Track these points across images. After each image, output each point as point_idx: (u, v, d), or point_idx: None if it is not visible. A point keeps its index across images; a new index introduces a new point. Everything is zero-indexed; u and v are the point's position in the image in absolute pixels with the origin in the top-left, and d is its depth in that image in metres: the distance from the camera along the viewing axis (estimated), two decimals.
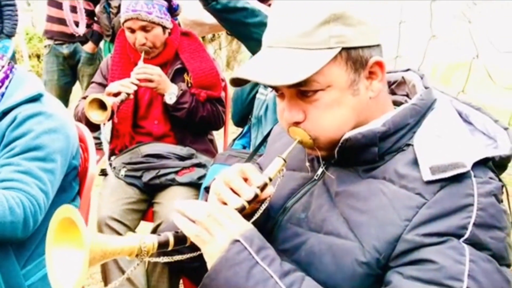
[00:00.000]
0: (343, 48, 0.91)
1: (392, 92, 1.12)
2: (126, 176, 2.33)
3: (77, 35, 4.13)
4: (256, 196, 0.94)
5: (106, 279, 2.11)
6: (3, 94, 1.56)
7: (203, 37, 4.69)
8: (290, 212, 1.05)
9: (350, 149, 0.96)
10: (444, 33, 2.43)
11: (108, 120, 2.14)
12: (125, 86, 2.14)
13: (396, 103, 1.07)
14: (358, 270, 0.90)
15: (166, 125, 2.43)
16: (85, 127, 1.94)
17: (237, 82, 0.98)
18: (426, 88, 1.03)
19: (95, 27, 4.25)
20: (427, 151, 0.91)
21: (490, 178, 0.90)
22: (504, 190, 0.93)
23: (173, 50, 2.44)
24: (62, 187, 1.61)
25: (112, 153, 2.49)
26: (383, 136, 0.95)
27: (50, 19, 4.25)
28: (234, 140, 2.35)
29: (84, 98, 2.40)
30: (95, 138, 2.61)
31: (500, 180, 0.93)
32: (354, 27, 0.91)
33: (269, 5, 2.06)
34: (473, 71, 2.25)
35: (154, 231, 2.16)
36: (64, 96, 4.38)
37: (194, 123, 2.39)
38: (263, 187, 0.95)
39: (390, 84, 1.12)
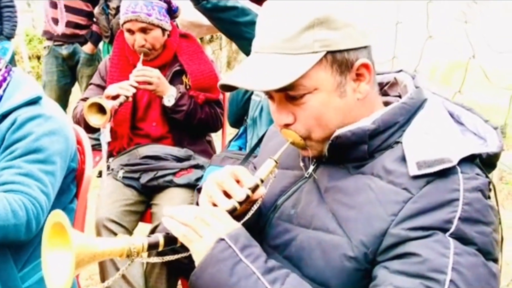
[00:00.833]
0: (328, 52, 0.93)
1: (385, 93, 1.13)
2: (124, 177, 2.34)
3: (55, 34, 4.12)
4: (248, 197, 0.96)
5: (104, 280, 2.11)
6: (1, 97, 1.56)
7: (201, 38, 4.70)
8: (281, 209, 1.07)
9: (340, 147, 0.98)
10: (441, 34, 2.43)
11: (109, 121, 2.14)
12: (124, 89, 2.14)
13: (388, 104, 1.07)
14: (347, 265, 0.91)
15: (164, 127, 2.44)
16: (82, 129, 1.95)
17: (227, 87, 1.00)
18: (416, 87, 1.04)
19: (94, 28, 4.25)
20: (414, 147, 0.93)
21: (477, 174, 0.92)
22: (491, 186, 0.94)
23: (172, 52, 2.44)
24: (61, 189, 1.62)
25: (110, 154, 2.50)
26: (373, 133, 0.97)
27: (49, 3, 4.24)
28: (230, 141, 2.36)
29: (83, 100, 2.41)
30: (94, 139, 2.63)
31: (487, 176, 0.94)
32: (339, 30, 0.93)
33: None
34: (471, 72, 2.25)
35: (152, 232, 2.17)
36: (63, 97, 4.39)
37: (192, 125, 2.40)
38: (254, 188, 0.97)
39: (382, 85, 1.13)
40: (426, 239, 0.85)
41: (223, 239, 0.89)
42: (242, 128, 2.38)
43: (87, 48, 4.27)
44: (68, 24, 4.12)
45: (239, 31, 1.90)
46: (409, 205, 0.88)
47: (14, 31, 4.78)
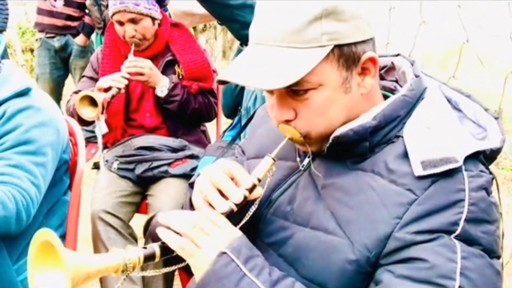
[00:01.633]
0: (335, 46, 0.87)
1: (381, 77, 1.09)
2: (118, 169, 2.33)
3: (55, 10, 4.07)
4: (245, 198, 0.92)
5: (102, 282, 2.12)
6: None
7: (194, 28, 4.67)
8: (276, 205, 1.03)
9: (340, 146, 0.94)
10: (436, 19, 2.42)
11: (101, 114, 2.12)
12: (116, 80, 2.12)
13: (385, 89, 1.05)
14: (347, 267, 0.89)
15: (158, 117, 2.43)
16: (74, 120, 1.94)
17: (224, 81, 0.94)
18: (416, 76, 0.99)
19: (86, 19, 4.22)
20: (417, 144, 0.90)
21: (481, 171, 0.89)
22: (494, 182, 0.92)
23: (164, 41, 2.41)
24: (53, 181, 1.61)
25: (104, 146, 2.48)
26: (374, 130, 0.93)
27: (41, 11, 4.22)
28: (224, 131, 2.35)
29: (76, 92, 2.39)
30: (89, 131, 2.62)
31: (490, 172, 0.92)
32: (347, 22, 0.88)
33: None
34: (466, 57, 2.24)
35: (148, 223, 2.17)
36: (57, 89, 4.37)
37: (186, 115, 2.39)
38: (251, 189, 0.93)
39: (379, 69, 1.08)
40: (432, 242, 0.83)
41: (224, 253, 0.85)
42: (236, 118, 2.37)
43: (80, 39, 4.24)
44: (60, 15, 4.09)
45: (231, 14, 1.88)
46: (413, 207, 0.85)
47: (6, 24, 4.74)
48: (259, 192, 0.95)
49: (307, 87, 0.89)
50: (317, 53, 0.86)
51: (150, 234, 2.13)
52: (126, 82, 2.16)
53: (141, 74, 2.23)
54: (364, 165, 0.94)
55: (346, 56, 0.89)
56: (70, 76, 4.47)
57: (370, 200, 0.89)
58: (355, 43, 0.89)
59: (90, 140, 2.75)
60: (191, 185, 1.11)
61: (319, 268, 0.92)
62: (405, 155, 0.90)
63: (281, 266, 0.94)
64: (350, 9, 0.88)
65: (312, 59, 0.86)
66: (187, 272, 1.36)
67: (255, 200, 0.95)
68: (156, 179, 2.30)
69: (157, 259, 0.88)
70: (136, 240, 2.20)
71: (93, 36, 4.40)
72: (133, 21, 2.28)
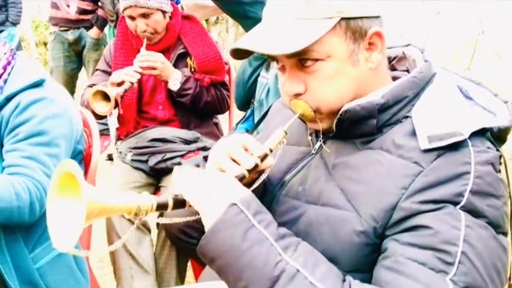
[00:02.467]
0: (342, 18, 0.91)
1: (393, 68, 1.11)
2: (132, 160, 2.35)
3: (69, 17, 4.09)
4: (256, 165, 0.95)
5: (114, 263, 2.14)
6: (5, 81, 1.56)
7: (206, 20, 4.66)
8: (288, 186, 1.06)
9: (348, 121, 0.97)
10: (449, 10, 2.39)
11: (114, 108, 2.14)
12: (128, 75, 2.14)
13: (397, 79, 1.06)
14: (355, 239, 0.91)
15: (171, 110, 2.44)
16: (89, 112, 1.95)
17: (239, 55, 0.98)
18: (426, 61, 1.03)
19: (100, 12, 4.25)
20: (425, 121, 0.92)
21: (488, 147, 0.90)
22: (502, 160, 0.93)
23: (175, 34, 2.42)
24: None
25: (118, 138, 2.51)
26: (382, 108, 0.95)
27: (54, 5, 4.25)
28: (237, 124, 2.35)
29: (90, 86, 2.40)
30: (103, 124, 2.63)
31: (498, 150, 0.92)
32: None
33: None
34: (481, 49, 2.21)
35: (161, 214, 2.17)
36: (71, 82, 4.41)
37: (198, 108, 2.39)
38: (263, 158, 0.95)
39: (390, 59, 1.12)
40: (437, 211, 0.84)
41: (235, 204, 0.87)
42: (249, 111, 2.37)
43: (93, 32, 4.26)
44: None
45: (244, 10, 1.88)
46: (419, 178, 0.87)
47: (20, 17, 4.79)
48: (270, 162, 0.98)
49: (315, 57, 0.92)
50: (324, 24, 0.91)
51: (163, 225, 2.15)
52: (138, 76, 2.17)
53: (153, 68, 2.23)
54: (373, 145, 0.97)
55: (353, 29, 0.93)
56: (83, 68, 4.49)
57: (377, 174, 0.92)
58: (362, 18, 0.93)
59: (103, 133, 2.77)
60: (205, 158, 1.13)
61: (329, 242, 0.94)
62: (413, 133, 0.92)
63: None
64: None
65: (320, 29, 0.90)
66: (199, 262, 1.37)
67: (266, 170, 0.98)
68: (169, 170, 2.31)
69: (169, 209, 0.90)
70: (149, 231, 2.22)
71: (106, 29, 4.42)
72: (144, 15, 2.28)
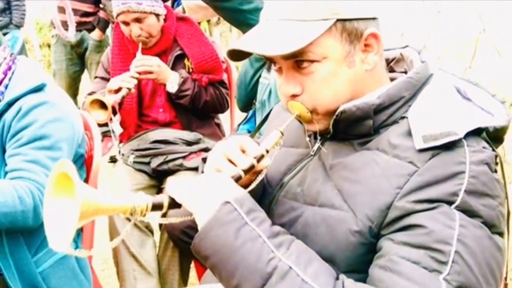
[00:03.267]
0: (338, 20, 0.92)
1: (391, 70, 1.12)
2: (134, 162, 2.36)
3: (66, 39, 4.10)
4: (252, 166, 0.96)
5: (118, 265, 2.14)
6: (6, 86, 1.57)
7: (208, 21, 4.66)
8: (287, 187, 1.07)
9: (345, 122, 0.97)
10: (450, 9, 2.38)
11: (114, 115, 2.14)
12: (125, 81, 2.15)
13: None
14: (351, 239, 0.91)
15: (171, 112, 2.44)
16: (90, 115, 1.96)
17: (236, 56, 0.99)
18: (422, 62, 1.03)
19: (101, 14, 4.25)
20: (420, 121, 0.92)
21: (483, 147, 0.91)
22: (498, 160, 0.93)
23: (171, 36, 2.41)
24: None
25: (120, 141, 2.51)
26: (378, 108, 0.96)
27: (57, 8, 4.25)
28: (239, 125, 2.35)
29: (90, 94, 2.41)
30: (106, 125, 2.64)
31: (494, 150, 0.93)
32: None
33: None
34: (483, 48, 2.21)
35: (164, 215, 2.18)
36: (73, 84, 4.41)
37: (198, 108, 2.40)
38: (259, 158, 0.97)
39: (389, 61, 1.12)
40: (431, 211, 0.85)
41: (228, 202, 0.87)
42: (251, 112, 2.37)
43: (95, 34, 4.27)
44: (76, 12, 4.11)
45: (244, 18, 1.90)
46: (414, 178, 0.88)
47: (23, 20, 4.81)
48: (266, 162, 0.99)
49: (311, 58, 0.93)
50: (320, 26, 0.92)
51: (166, 227, 2.15)
52: (135, 82, 2.18)
53: (150, 72, 2.24)
54: (370, 145, 0.98)
55: (349, 30, 0.94)
56: (86, 71, 4.50)
57: (373, 174, 0.93)
58: (358, 19, 0.94)
59: (107, 134, 2.78)
60: (204, 160, 1.14)
61: (326, 242, 0.95)
62: (409, 133, 0.93)
63: None
64: None
65: (316, 31, 0.91)
66: (202, 264, 1.37)
67: (263, 171, 1.00)
68: (171, 172, 2.32)
69: (164, 210, 0.91)
70: (152, 233, 2.23)
71: (108, 31, 4.43)
72: (138, 20, 2.28)
